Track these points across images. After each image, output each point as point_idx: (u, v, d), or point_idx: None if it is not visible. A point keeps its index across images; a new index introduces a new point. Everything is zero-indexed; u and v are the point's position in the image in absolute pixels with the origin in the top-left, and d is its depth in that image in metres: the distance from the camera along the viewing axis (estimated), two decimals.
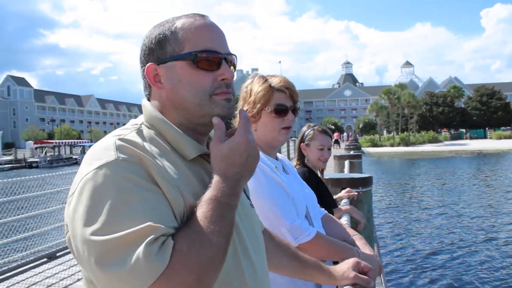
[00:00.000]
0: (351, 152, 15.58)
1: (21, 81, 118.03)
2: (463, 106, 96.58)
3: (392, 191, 22.00)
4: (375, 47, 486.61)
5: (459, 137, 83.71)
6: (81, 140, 73.05)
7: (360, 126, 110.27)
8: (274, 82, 1.94)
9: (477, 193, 20.20)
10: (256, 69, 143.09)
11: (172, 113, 1.12)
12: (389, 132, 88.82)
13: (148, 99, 1.17)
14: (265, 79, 1.95)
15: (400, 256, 10.55)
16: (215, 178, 1.01)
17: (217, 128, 1.08)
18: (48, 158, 50.38)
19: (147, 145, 1.01)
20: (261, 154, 1.86)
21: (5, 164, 49.51)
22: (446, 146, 65.21)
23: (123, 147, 0.96)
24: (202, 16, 1.15)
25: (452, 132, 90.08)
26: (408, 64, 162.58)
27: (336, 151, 29.20)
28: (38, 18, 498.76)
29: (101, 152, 0.96)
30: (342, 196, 3.85)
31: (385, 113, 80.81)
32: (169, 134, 1.09)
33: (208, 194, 0.99)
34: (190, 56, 1.09)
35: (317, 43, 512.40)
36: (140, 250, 0.84)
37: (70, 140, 66.69)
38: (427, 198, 19.36)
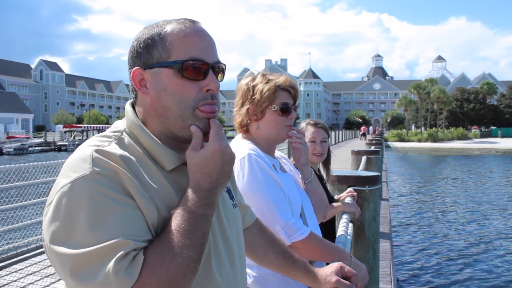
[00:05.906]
0: (372, 148, 15.23)
1: (54, 66, 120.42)
2: (495, 103, 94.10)
3: (412, 188, 21.66)
4: (406, 41, 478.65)
5: (489, 135, 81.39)
6: (109, 125, 73.86)
7: (388, 120, 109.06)
8: (280, 81, 1.97)
9: (504, 194, 19.70)
10: (285, 60, 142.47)
11: (155, 120, 1.10)
12: (417, 127, 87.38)
13: (134, 103, 1.15)
14: (268, 78, 1.98)
15: (415, 253, 10.41)
16: (190, 189, 1.02)
17: (194, 136, 1.07)
18: (76, 142, 51.44)
19: (125, 156, 1.00)
20: (259, 151, 1.93)
21: (35, 146, 51.03)
22: (476, 144, 63.75)
23: (98, 159, 0.96)
24: (193, 22, 1.12)
25: (483, 130, 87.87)
26: (440, 58, 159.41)
27: (356, 145, 28.84)
28: (72, 3, 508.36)
29: (77, 164, 0.96)
30: (344, 196, 3.82)
31: (414, 107, 79.54)
32: (148, 143, 1.07)
33: (182, 205, 0.99)
34: (175, 65, 1.06)
35: (348, 35, 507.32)
36: (110, 265, 0.86)
37: (98, 125, 67.87)
38: (448, 197, 18.99)
